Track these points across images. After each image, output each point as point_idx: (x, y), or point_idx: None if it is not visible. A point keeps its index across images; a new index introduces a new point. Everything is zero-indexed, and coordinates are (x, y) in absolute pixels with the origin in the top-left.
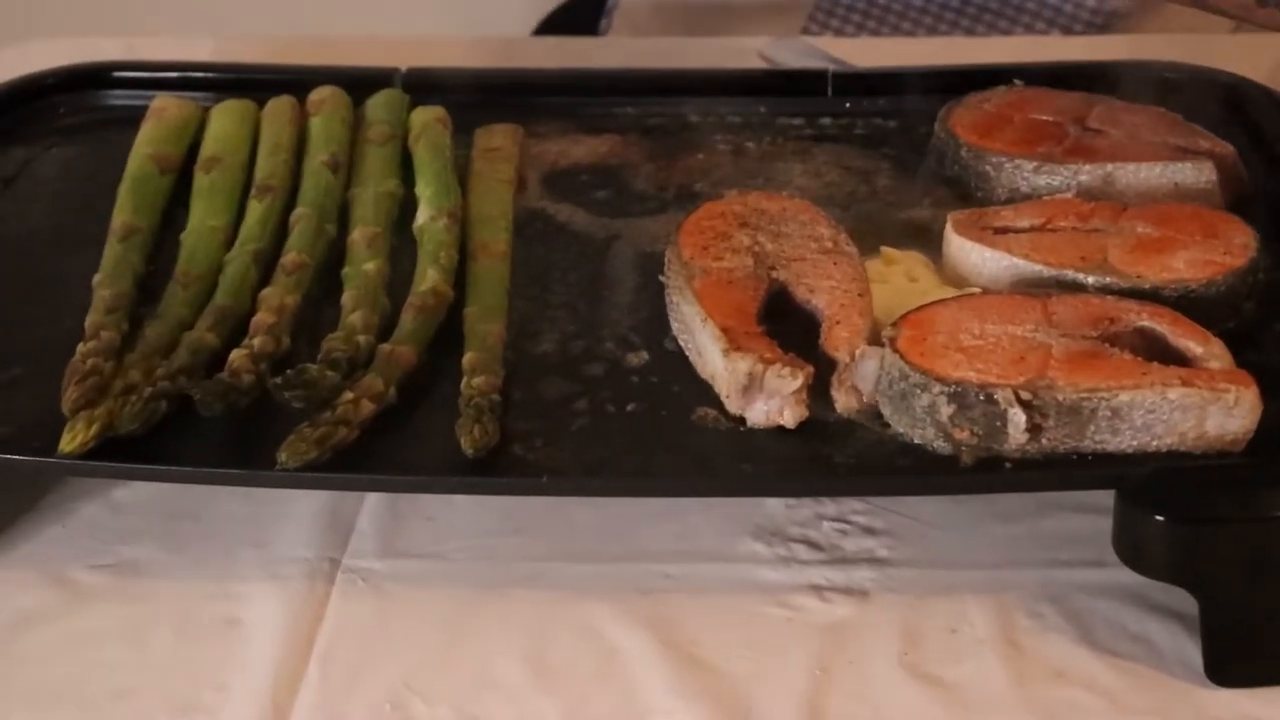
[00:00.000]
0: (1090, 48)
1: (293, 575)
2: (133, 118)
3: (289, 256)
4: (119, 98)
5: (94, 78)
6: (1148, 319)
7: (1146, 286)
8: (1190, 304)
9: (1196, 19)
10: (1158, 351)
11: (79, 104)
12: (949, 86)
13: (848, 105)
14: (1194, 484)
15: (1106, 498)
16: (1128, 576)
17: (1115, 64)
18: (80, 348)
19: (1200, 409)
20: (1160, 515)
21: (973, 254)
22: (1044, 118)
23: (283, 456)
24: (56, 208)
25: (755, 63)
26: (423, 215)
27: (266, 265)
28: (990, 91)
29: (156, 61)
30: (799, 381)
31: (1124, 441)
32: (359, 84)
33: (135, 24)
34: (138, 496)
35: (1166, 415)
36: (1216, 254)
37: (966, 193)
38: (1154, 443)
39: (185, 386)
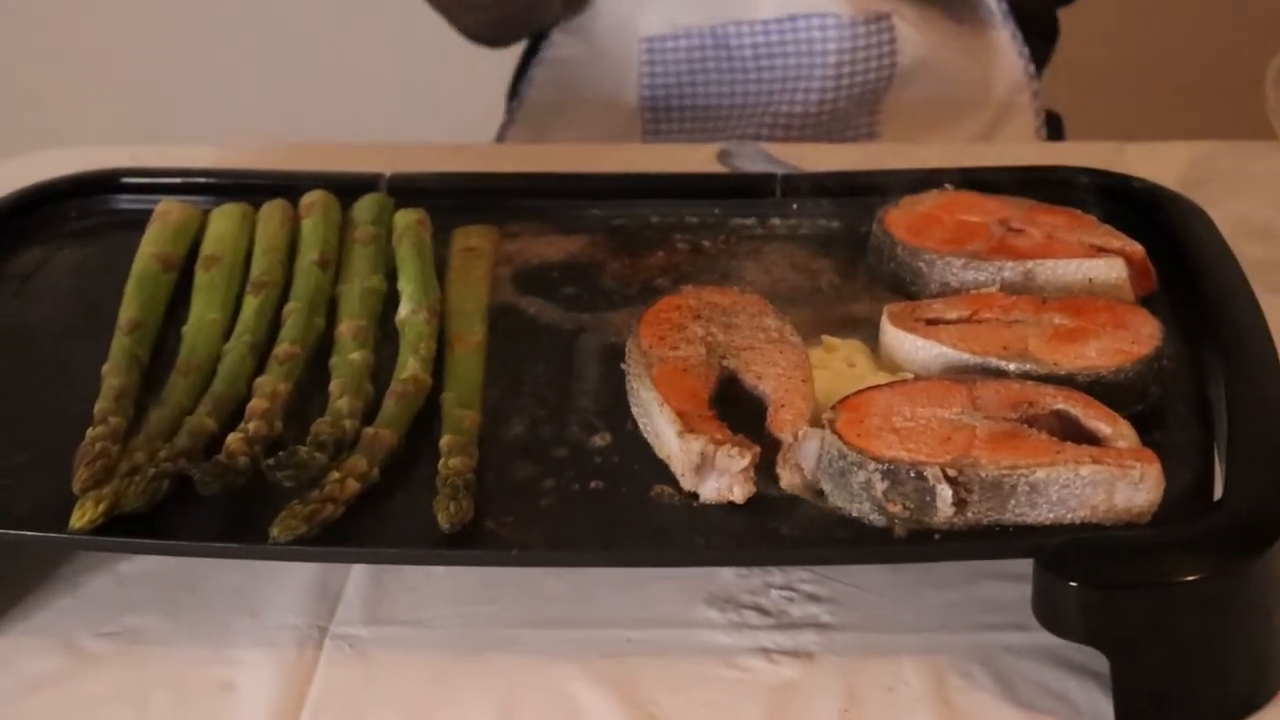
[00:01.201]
0: (1013, 155)
1: (284, 642)
2: (139, 220)
3: (281, 347)
4: (126, 202)
5: (103, 184)
6: (1063, 402)
7: (1062, 373)
8: (1101, 389)
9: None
10: (1072, 432)
11: (89, 208)
12: (886, 190)
13: (795, 207)
14: (1105, 553)
15: (1027, 565)
16: (1048, 639)
17: (1036, 169)
18: (89, 432)
19: (1109, 484)
20: (1074, 582)
21: (906, 343)
22: (971, 219)
23: (275, 532)
24: (68, 303)
25: (712, 165)
26: (404, 309)
27: (261, 355)
28: (923, 195)
29: (161, 169)
30: (747, 460)
31: (1042, 514)
32: (347, 188)
33: (135, 134)
34: (142, 569)
35: (1079, 490)
36: (1125, 344)
37: (902, 286)
38: (1069, 515)
39: (186, 468)
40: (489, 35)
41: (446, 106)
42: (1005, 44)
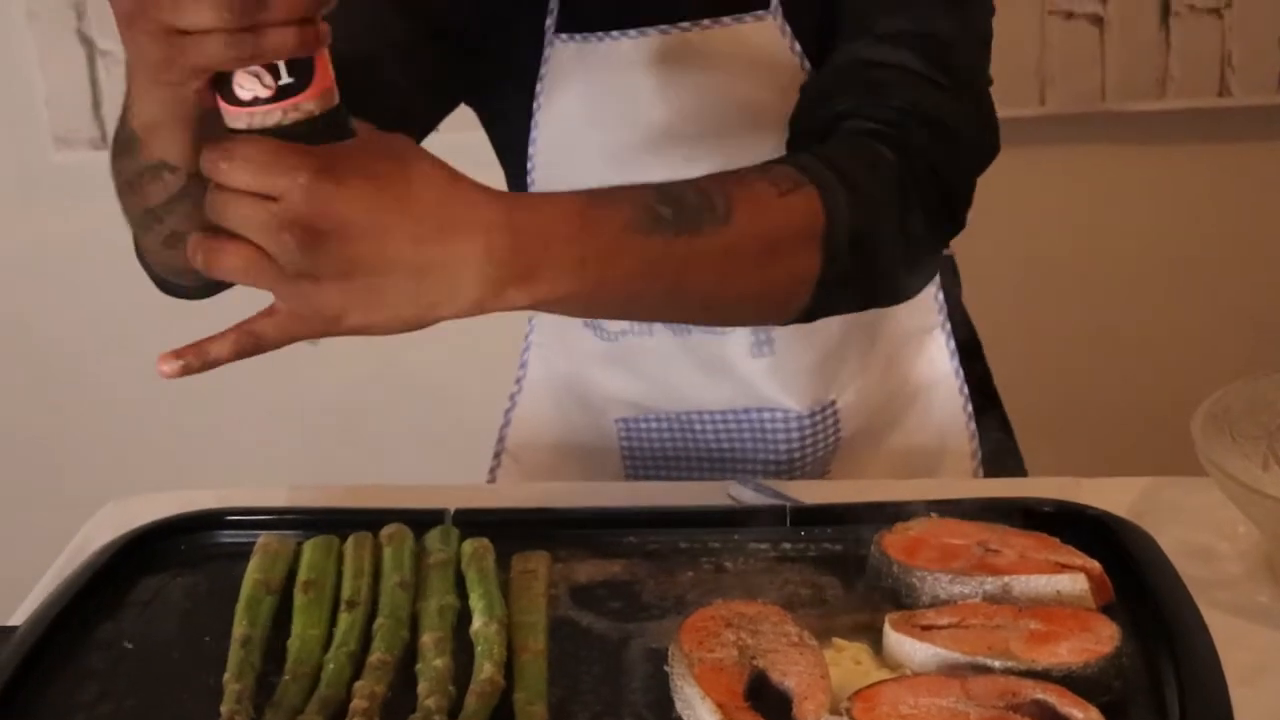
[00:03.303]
0: (987, 489)
1: None
2: (241, 552)
3: (375, 655)
4: (228, 536)
5: (210, 521)
6: (1041, 693)
7: (1039, 669)
8: (1072, 682)
9: None
10: (1050, 718)
11: (197, 542)
12: (880, 517)
13: (802, 533)
14: None
15: None
16: None
17: (1008, 500)
18: None
19: None
20: None
21: (906, 645)
22: (955, 541)
23: None
24: (185, 624)
25: (724, 499)
26: (478, 622)
27: (358, 663)
28: (913, 521)
29: (258, 506)
30: None
31: None
32: (419, 521)
33: (214, 480)
34: None
35: None
36: (1090, 644)
37: (897, 598)
38: None
39: None
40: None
41: (437, 453)
42: (949, 394)
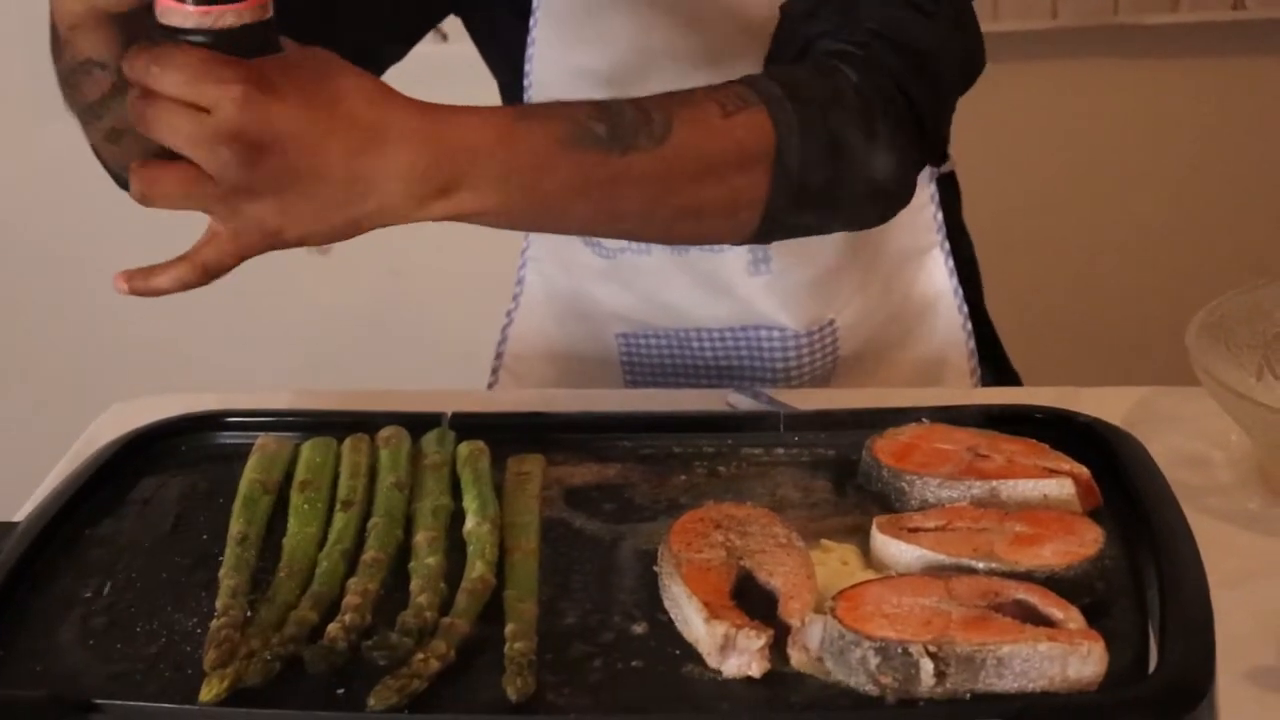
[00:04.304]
0: (981, 398)
1: None
2: (240, 453)
3: (368, 554)
4: (228, 438)
5: (209, 422)
6: (1024, 593)
7: (1022, 570)
8: (1055, 583)
9: None
10: (1031, 618)
11: (197, 443)
12: (872, 424)
13: (796, 439)
14: (1061, 715)
15: None
16: None
17: (999, 406)
18: (214, 622)
19: (1063, 659)
20: None
21: (892, 547)
22: (945, 446)
23: (372, 701)
24: (183, 522)
25: (723, 406)
26: (470, 522)
27: (351, 561)
28: (903, 427)
29: (258, 409)
30: (763, 641)
31: (1008, 684)
32: (416, 424)
33: (218, 385)
34: None
35: (1038, 663)
36: (1074, 546)
37: (887, 503)
38: (1030, 684)
39: (297, 651)
40: None
41: (444, 361)
42: (949, 313)
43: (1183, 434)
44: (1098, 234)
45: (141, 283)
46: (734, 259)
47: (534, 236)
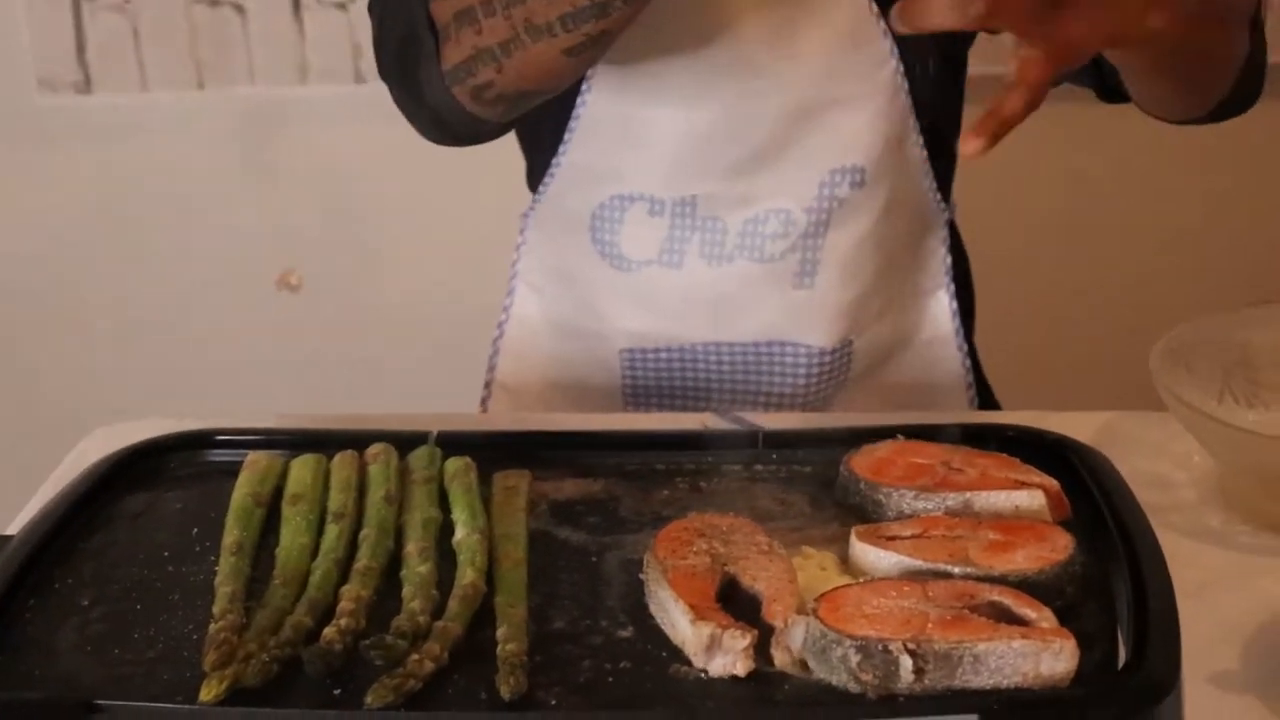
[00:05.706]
0: (951, 417)
1: None
2: (230, 470)
3: (360, 563)
4: (218, 455)
5: (199, 440)
6: (997, 596)
7: (996, 574)
8: (1027, 586)
9: None
10: (1005, 618)
11: (188, 460)
12: (849, 440)
13: (774, 455)
14: (1034, 709)
15: None
16: None
17: (972, 425)
18: (213, 626)
19: (1036, 656)
20: None
21: (870, 554)
22: (920, 461)
23: (369, 700)
24: (176, 536)
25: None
26: (460, 533)
27: (344, 570)
28: (879, 444)
29: (248, 428)
30: (748, 641)
31: (984, 680)
32: (404, 442)
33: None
34: None
35: (1012, 660)
36: (1046, 552)
37: (864, 515)
38: (1005, 680)
39: (295, 653)
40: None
41: (430, 388)
42: (949, 349)
43: (1147, 456)
44: (1067, 271)
45: (997, 125)
46: (782, 269)
47: (526, 250)
